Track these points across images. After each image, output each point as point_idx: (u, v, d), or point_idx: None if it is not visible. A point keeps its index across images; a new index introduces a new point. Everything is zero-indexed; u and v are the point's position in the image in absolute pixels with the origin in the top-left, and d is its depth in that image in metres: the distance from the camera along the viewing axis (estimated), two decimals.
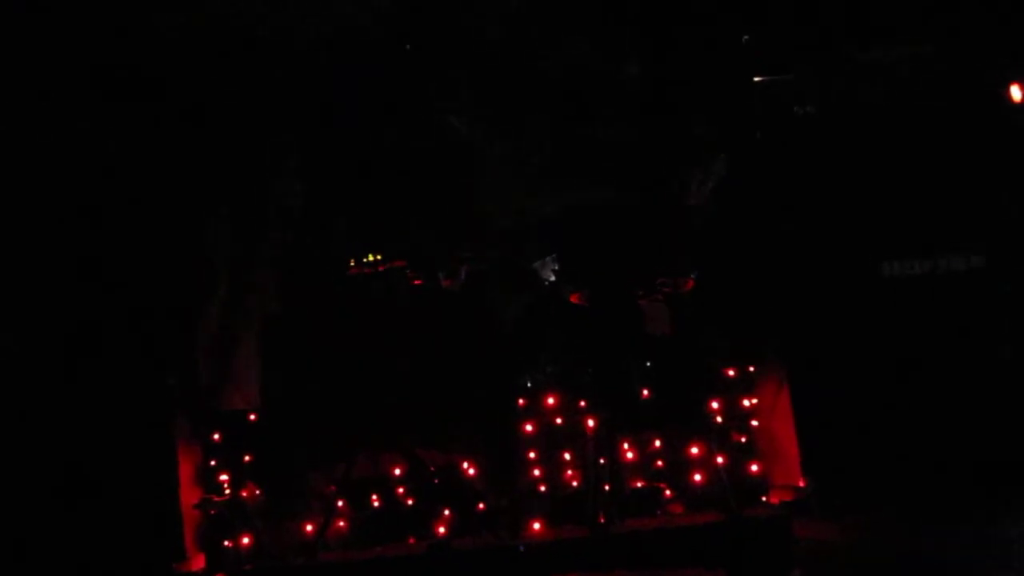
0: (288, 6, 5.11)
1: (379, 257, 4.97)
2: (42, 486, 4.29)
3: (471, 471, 4.70)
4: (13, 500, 4.27)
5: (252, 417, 4.78)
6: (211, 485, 4.71)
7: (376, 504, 4.70)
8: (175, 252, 4.85)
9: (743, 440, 4.85)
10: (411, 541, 4.62)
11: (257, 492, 4.69)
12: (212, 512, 4.66)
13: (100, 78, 4.88)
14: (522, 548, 4.40)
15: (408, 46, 5.09)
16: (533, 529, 4.56)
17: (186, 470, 4.63)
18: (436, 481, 4.68)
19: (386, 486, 4.71)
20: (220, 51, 5.04)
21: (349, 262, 4.99)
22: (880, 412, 4.77)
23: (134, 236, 4.70)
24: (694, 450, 4.76)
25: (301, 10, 5.11)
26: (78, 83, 4.86)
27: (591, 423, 4.66)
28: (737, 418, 4.87)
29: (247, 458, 4.72)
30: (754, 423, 4.89)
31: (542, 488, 4.71)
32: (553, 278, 5.01)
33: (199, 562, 4.63)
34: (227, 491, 4.69)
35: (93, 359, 4.46)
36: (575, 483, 4.72)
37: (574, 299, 4.85)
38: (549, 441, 4.76)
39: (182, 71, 5.00)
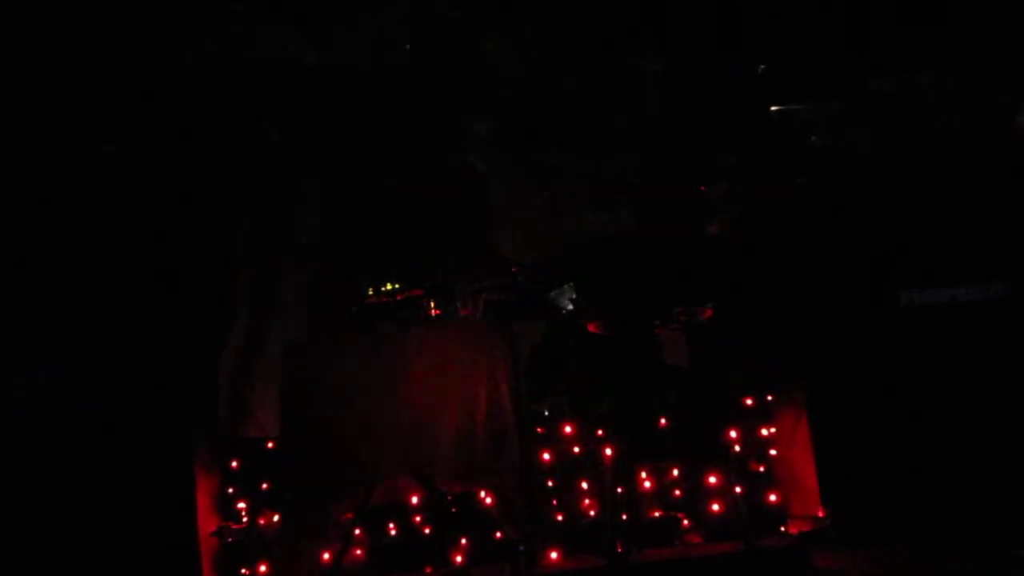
0: (310, 43, 5.19)
1: (397, 286, 5.00)
2: (59, 512, 4.30)
3: (488, 500, 4.69)
4: (29, 526, 4.27)
5: (270, 445, 4.80)
6: (229, 513, 4.73)
7: (393, 532, 4.69)
8: (197, 278, 4.90)
9: (761, 469, 4.83)
10: (428, 570, 4.60)
11: (275, 520, 4.70)
12: (229, 540, 4.66)
13: (129, 112, 4.94)
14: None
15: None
16: (550, 558, 4.54)
17: (204, 498, 4.63)
18: (453, 510, 4.67)
19: (403, 514, 4.70)
20: (243, 87, 5.12)
21: (367, 291, 5.01)
22: (900, 441, 4.73)
23: (154, 264, 4.74)
24: (712, 480, 4.74)
25: (323, 47, 5.19)
26: (108, 115, 4.93)
27: (608, 452, 4.64)
28: (755, 447, 4.85)
29: (265, 486, 4.74)
30: (772, 452, 4.87)
31: (559, 517, 4.69)
32: (570, 307, 5.01)
33: None
34: (245, 519, 4.70)
35: (112, 384, 4.48)
36: (592, 512, 4.70)
37: (592, 328, 4.84)
38: (566, 470, 4.75)
39: (206, 106, 5.08)
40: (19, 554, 4.24)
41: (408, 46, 5.25)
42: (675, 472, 4.81)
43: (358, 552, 4.65)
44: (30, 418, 4.36)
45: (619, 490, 4.52)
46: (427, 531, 4.68)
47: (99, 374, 4.46)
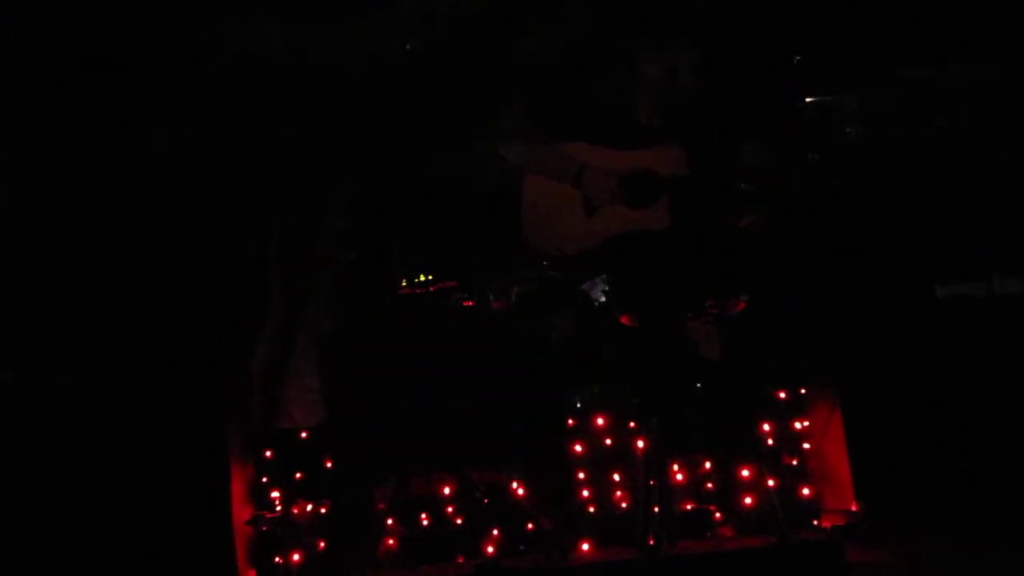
0: (339, 35, 5.19)
1: (430, 278, 5.02)
2: (94, 502, 4.34)
3: (520, 491, 4.72)
4: (65, 517, 4.32)
5: (304, 435, 4.84)
6: (263, 502, 4.77)
7: (425, 523, 4.73)
8: (230, 271, 4.93)
9: (794, 463, 4.81)
10: (460, 560, 4.65)
11: (308, 509, 4.73)
12: (264, 528, 4.71)
13: (159, 106, 4.97)
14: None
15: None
16: (582, 550, 4.55)
17: (238, 487, 4.67)
18: (485, 501, 4.70)
19: (435, 505, 4.74)
20: (272, 79, 5.13)
21: (400, 282, 5.03)
22: (935, 434, 4.70)
23: (188, 254, 4.78)
24: (745, 473, 4.74)
25: (351, 38, 5.19)
26: (137, 109, 4.96)
27: (641, 444, 4.65)
28: (788, 441, 4.84)
29: (298, 475, 4.77)
30: (806, 446, 4.85)
31: (591, 509, 4.71)
32: (603, 299, 5.00)
33: None
34: (278, 508, 4.74)
35: (147, 376, 4.52)
36: (624, 504, 4.71)
37: (624, 321, 4.84)
38: (598, 462, 4.76)
39: (236, 98, 5.09)
40: (60, 543, 4.29)
41: (435, 35, 5.24)
42: (707, 465, 4.81)
43: (391, 542, 4.69)
44: (68, 415, 4.39)
45: (651, 482, 4.51)
46: (459, 522, 4.71)
47: (136, 371, 4.50)
